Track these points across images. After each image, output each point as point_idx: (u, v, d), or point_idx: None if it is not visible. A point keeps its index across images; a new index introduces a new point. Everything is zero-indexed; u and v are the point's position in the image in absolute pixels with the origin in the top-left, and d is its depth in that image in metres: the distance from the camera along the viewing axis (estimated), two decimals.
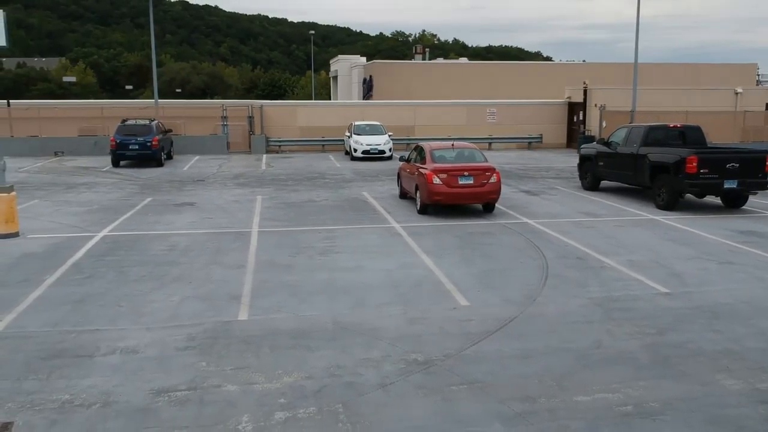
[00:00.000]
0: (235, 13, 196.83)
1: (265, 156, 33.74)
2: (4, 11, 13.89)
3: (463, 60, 72.25)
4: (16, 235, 13.81)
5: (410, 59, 68.66)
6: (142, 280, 10.72)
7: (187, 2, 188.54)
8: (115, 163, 28.35)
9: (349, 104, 44.62)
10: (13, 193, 13.93)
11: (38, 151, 32.75)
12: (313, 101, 60.77)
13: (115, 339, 8.12)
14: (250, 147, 35.39)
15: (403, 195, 18.96)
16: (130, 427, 6.02)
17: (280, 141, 35.98)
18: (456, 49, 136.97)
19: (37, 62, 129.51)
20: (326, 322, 8.74)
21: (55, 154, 32.85)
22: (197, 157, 32.32)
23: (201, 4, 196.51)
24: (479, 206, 17.09)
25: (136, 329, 8.47)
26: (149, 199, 19.11)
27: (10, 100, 34.48)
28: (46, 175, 25.16)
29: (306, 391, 6.72)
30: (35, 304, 9.45)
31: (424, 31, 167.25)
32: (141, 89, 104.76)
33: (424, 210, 16.45)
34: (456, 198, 16.08)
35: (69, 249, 12.79)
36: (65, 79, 71.22)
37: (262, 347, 7.88)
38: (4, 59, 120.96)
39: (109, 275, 10.98)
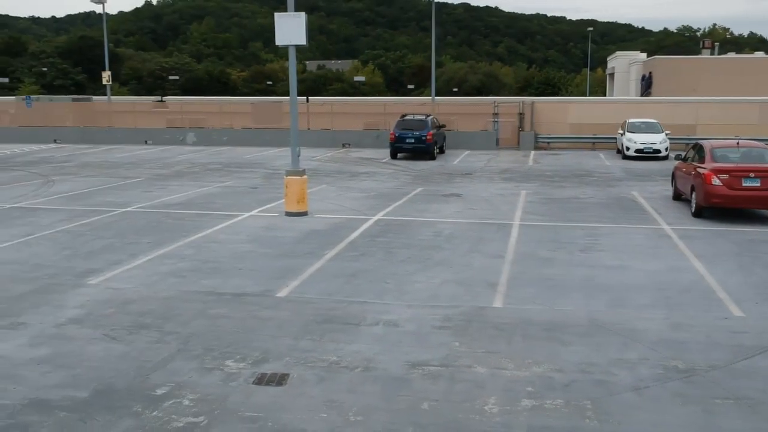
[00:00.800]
0: (514, 12, 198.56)
1: (532, 152, 33.58)
2: (306, 15, 15.62)
3: (760, 54, 64.56)
4: (305, 214, 15.59)
5: (696, 55, 63.09)
6: (407, 261, 11.47)
7: (469, 4, 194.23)
8: (393, 155, 30.33)
9: (623, 100, 42.48)
10: (305, 177, 15.72)
11: (329, 142, 36.36)
12: (585, 98, 58.85)
13: (380, 312, 8.84)
14: (518, 143, 35.47)
15: (677, 196, 17.62)
16: (387, 393, 6.54)
17: (548, 138, 35.49)
18: (752, 44, 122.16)
19: (334, 64, 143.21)
20: (581, 317, 8.58)
21: (343, 145, 36.16)
22: (467, 152, 33.25)
23: (482, 5, 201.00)
24: (766, 212, 15.27)
25: (399, 305, 9.12)
26: (420, 189, 20.21)
27: (309, 97, 38.70)
28: (334, 164, 27.84)
29: (554, 383, 6.70)
30: (316, 274, 10.65)
31: (714, 24, 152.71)
32: (421, 89, 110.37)
33: (699, 213, 15.15)
34: (738, 201, 14.56)
35: (347, 229, 14.12)
36: (355, 78, 77.98)
37: (514, 335, 8.01)
38: (306, 62, 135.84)
39: (378, 254, 11.92)
